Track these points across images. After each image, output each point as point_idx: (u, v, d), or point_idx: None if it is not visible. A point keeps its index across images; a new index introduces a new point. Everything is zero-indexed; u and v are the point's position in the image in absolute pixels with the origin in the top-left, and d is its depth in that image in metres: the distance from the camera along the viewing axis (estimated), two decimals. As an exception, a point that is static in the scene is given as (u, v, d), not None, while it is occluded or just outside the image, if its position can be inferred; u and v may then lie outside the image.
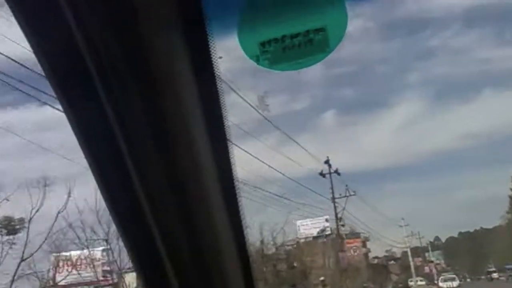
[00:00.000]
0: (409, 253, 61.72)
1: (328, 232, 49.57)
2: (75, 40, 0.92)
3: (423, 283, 62.73)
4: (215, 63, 1.04)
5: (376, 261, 67.80)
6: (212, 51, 1.03)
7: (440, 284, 49.29)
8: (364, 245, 68.08)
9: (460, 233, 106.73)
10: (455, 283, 48.58)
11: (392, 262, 70.14)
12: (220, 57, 1.05)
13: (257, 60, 1.13)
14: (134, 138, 0.99)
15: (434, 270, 71.63)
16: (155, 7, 0.93)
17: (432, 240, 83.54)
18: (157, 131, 0.99)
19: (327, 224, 48.77)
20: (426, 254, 78.12)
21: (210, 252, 1.11)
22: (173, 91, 0.99)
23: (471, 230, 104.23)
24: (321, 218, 45.06)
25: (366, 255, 68.33)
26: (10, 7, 0.91)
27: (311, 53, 1.11)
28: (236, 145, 1.14)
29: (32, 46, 0.97)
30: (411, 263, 60.31)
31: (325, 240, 46.18)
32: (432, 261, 77.18)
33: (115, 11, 0.90)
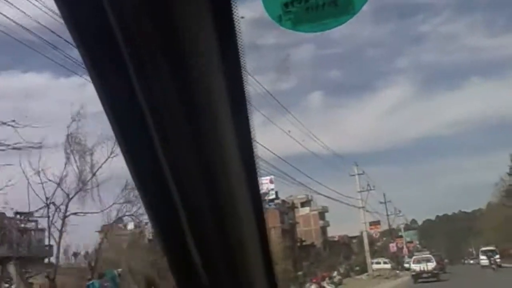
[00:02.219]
0: (365, 229, 51.29)
1: (272, 197, 41.29)
2: (107, 16, 0.90)
3: (388, 266, 52.54)
4: (237, 24, 1.02)
5: (337, 238, 61.09)
6: (234, 10, 1.02)
7: (413, 265, 38.98)
8: (322, 217, 60.69)
9: (437, 216, 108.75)
10: (431, 265, 37.31)
11: (356, 240, 62.89)
12: (242, 17, 1.04)
13: (280, 21, 1.12)
14: (160, 108, 0.98)
15: (405, 250, 61.99)
16: None
17: (408, 223, 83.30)
18: (182, 101, 0.98)
19: (271, 186, 39.81)
20: (400, 234, 69.97)
21: (235, 244, 1.12)
22: (197, 55, 0.97)
23: (449, 213, 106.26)
24: (264, 178, 33.20)
25: (323, 229, 60.49)
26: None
27: (335, 14, 1.11)
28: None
29: (64, 17, 0.95)
30: (365, 241, 50.24)
31: (268, 206, 37.60)
32: (401, 237, 69.21)
33: None
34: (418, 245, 72.97)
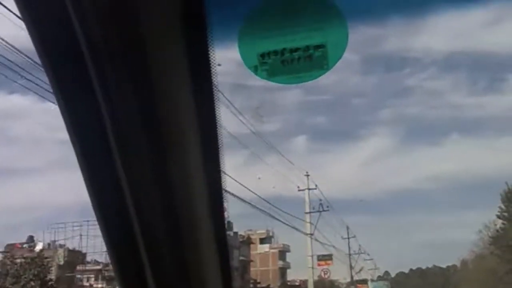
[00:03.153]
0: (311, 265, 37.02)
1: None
2: (76, 35, 0.91)
3: None
4: (213, 70, 1.04)
5: (298, 282, 52.48)
6: (212, 58, 1.04)
7: None
8: (282, 257, 52.65)
9: (411, 270, 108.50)
10: None
11: None
12: (219, 65, 1.05)
13: (256, 71, 1.14)
14: (126, 137, 0.99)
15: None
16: (158, 9, 0.93)
17: (381, 274, 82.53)
18: (150, 131, 0.99)
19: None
20: (369, 284, 59.56)
21: (191, 260, 1.11)
22: (170, 94, 0.99)
23: (423, 267, 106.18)
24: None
25: (283, 271, 52.93)
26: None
27: (310, 68, 1.13)
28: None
29: (31, 35, 0.96)
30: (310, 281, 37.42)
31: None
32: (365, 283, 56.71)
33: (117, 9, 0.89)
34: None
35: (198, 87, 1.00)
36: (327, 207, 37.33)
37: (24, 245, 37.45)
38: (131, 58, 0.93)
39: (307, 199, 36.40)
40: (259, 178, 27.52)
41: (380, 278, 74.25)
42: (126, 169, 0.98)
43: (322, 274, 41.07)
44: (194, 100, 1.00)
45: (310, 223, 35.82)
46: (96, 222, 1.02)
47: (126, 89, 0.94)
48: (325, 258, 40.55)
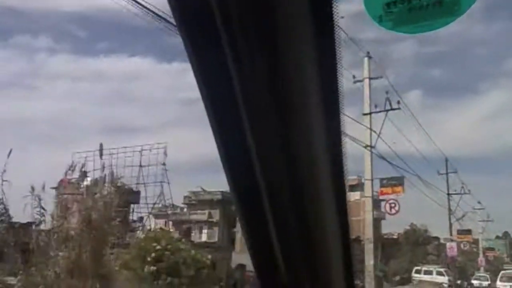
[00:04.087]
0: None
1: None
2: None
3: (441, 279, 33.80)
4: (336, 23, 1.00)
5: (396, 236, 47.31)
6: (335, 10, 1.02)
7: (499, 284, 30.28)
8: (377, 207, 47.23)
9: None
10: None
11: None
12: (342, 17, 1.03)
13: (380, 21, 1.10)
14: (252, 96, 1.00)
15: (481, 260, 48.44)
16: None
17: (500, 235, 75.75)
18: (274, 89, 0.99)
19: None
20: (480, 239, 53.31)
21: (318, 247, 1.13)
22: (293, 49, 0.97)
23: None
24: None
25: (376, 222, 47.83)
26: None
27: (439, 15, 1.07)
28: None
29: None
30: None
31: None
32: (492, 249, 54.66)
33: None
34: (505, 258, 61.85)
35: (321, 42, 0.97)
36: (469, 190, 36.14)
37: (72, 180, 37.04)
38: (257, 12, 0.93)
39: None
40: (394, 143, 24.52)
41: (497, 238, 69.14)
42: (253, 129, 1.00)
43: (462, 246, 40.47)
44: (317, 58, 0.98)
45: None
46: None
47: (252, 46, 0.95)
48: (465, 232, 40.66)
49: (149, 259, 20.97)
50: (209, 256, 23.52)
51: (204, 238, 44.94)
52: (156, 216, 41.47)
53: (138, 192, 37.29)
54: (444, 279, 34.26)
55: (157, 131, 60.96)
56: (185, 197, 47.66)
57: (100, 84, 70.15)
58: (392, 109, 21.78)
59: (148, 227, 36.64)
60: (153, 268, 20.65)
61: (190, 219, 45.91)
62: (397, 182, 25.23)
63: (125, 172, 35.70)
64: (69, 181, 38.17)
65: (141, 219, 38.60)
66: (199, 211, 45.63)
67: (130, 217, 37.79)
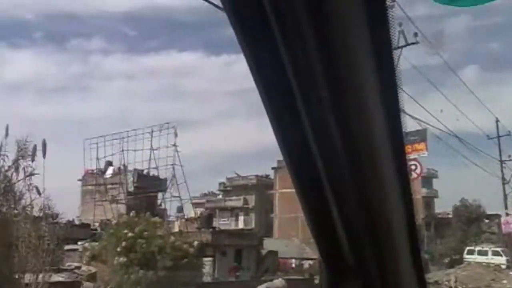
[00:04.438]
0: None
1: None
2: None
3: (500, 259, 28.91)
4: (389, 8, 0.97)
5: (451, 215, 44.39)
6: None
7: None
8: (428, 185, 44.00)
9: None
10: None
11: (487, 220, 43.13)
12: (394, 1, 1.01)
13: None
14: (305, 79, 1.00)
15: None
16: None
17: None
18: (327, 71, 0.98)
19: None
20: None
21: (383, 229, 1.16)
22: (344, 26, 0.96)
23: None
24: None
25: (428, 200, 45.10)
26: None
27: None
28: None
29: None
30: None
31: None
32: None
33: None
34: None
35: (374, 21, 0.96)
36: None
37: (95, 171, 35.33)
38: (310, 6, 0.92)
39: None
40: (441, 111, 22.05)
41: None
42: (308, 114, 1.02)
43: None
44: (370, 36, 0.96)
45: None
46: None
47: (304, 29, 0.94)
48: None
49: (119, 249, 18.33)
50: (195, 243, 20.35)
51: (240, 225, 42.57)
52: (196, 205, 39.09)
53: (164, 180, 35.06)
54: (501, 260, 29.30)
55: (211, 122, 60.89)
56: (220, 183, 45.63)
57: (152, 80, 73.16)
58: (407, 44, 18.06)
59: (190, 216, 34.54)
60: (123, 259, 17.95)
61: (225, 205, 43.74)
62: (418, 137, 17.73)
63: (136, 156, 33.77)
64: (92, 172, 37.27)
65: (180, 208, 36.34)
66: (234, 197, 43.50)
67: (162, 206, 35.73)
